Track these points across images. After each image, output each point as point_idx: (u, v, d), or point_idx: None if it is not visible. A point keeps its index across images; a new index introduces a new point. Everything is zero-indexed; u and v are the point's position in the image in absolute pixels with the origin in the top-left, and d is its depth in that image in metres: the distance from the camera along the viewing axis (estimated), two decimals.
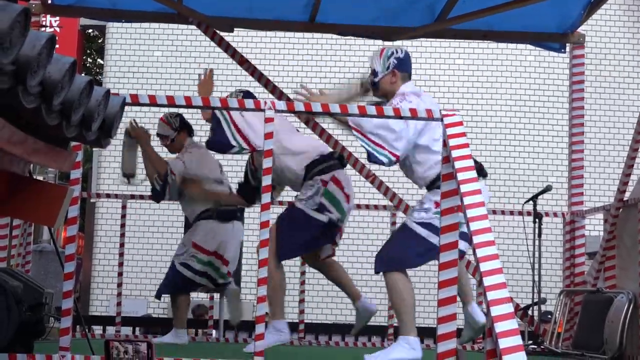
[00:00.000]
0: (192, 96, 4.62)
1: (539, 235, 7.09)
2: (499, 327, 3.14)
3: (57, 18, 15.02)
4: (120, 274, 7.74)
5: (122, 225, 7.72)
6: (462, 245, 4.65)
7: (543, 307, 7.37)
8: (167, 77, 14.10)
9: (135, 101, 4.46)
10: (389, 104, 5.09)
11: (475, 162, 4.70)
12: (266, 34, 13.72)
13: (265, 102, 4.54)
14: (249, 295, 12.09)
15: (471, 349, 7.11)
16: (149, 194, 7.00)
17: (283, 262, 5.48)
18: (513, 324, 3.16)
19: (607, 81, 14.08)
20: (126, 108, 3.65)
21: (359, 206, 7.59)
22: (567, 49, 7.56)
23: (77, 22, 15.26)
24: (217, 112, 5.57)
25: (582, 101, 7.48)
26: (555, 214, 7.98)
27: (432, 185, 5.13)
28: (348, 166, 7.94)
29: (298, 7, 7.25)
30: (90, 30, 19.40)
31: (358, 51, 13.98)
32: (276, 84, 7.87)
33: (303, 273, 7.39)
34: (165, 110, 6.97)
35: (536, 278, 7.05)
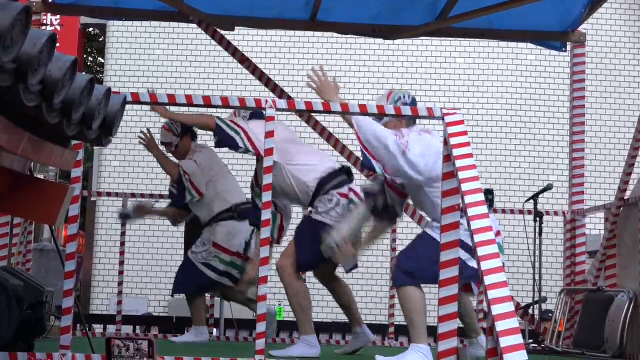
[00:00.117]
0: (193, 95, 4.62)
1: (540, 234, 7.10)
2: (500, 325, 3.14)
3: (58, 17, 15.01)
4: (121, 273, 7.75)
5: (123, 224, 7.72)
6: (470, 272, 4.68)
7: (544, 306, 7.37)
8: (167, 75, 14.09)
9: (136, 100, 4.47)
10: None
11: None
12: (267, 33, 13.71)
13: (267, 101, 4.54)
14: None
15: None
16: (150, 192, 7.00)
17: None
18: (514, 322, 3.16)
19: (608, 80, 14.07)
20: (127, 106, 3.65)
21: None
22: (568, 48, 7.55)
23: (78, 20, 15.25)
24: (220, 123, 5.62)
25: (583, 100, 7.48)
26: (556, 213, 7.98)
27: None
28: (348, 164, 7.96)
29: (299, 5, 7.24)
30: (91, 29, 19.39)
31: (359, 50, 13.98)
32: (277, 82, 7.87)
33: (303, 272, 7.39)
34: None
35: (537, 277, 7.05)
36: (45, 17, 14.41)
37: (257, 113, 5.76)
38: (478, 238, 3.52)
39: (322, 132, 7.64)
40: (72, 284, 4.42)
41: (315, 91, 5.17)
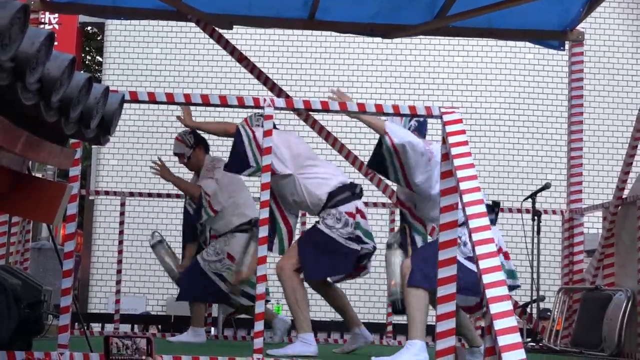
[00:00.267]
0: (192, 94, 4.62)
1: (538, 232, 7.10)
2: (498, 324, 3.14)
3: (56, 15, 15.00)
4: (119, 272, 7.74)
5: (121, 223, 7.71)
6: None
7: (542, 305, 7.38)
8: (166, 74, 14.09)
9: (134, 98, 4.47)
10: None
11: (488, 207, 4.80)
12: (265, 32, 13.71)
13: (265, 100, 4.54)
14: None
15: None
16: (148, 191, 7.00)
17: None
18: (512, 321, 3.16)
19: (605, 79, 14.08)
20: (125, 105, 3.65)
21: None
22: (566, 46, 7.56)
23: (76, 19, 15.24)
24: (242, 130, 5.61)
25: (581, 99, 7.48)
26: (554, 212, 7.98)
27: None
28: (347, 163, 7.96)
29: (297, 4, 7.24)
30: (89, 28, 19.37)
31: (357, 49, 13.98)
32: (275, 81, 7.87)
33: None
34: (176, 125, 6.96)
35: (535, 275, 7.05)
36: (43, 16, 14.40)
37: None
38: (476, 237, 3.52)
39: (321, 130, 7.64)
40: (70, 283, 4.42)
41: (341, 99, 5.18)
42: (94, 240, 13.97)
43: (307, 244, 5.60)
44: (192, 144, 6.78)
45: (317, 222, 5.64)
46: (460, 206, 3.88)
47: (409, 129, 5.21)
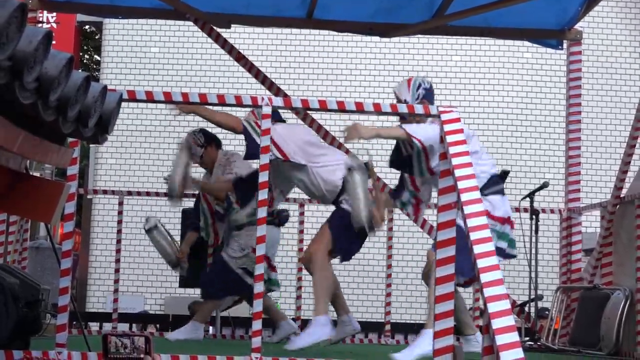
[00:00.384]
0: (190, 92, 4.62)
1: (536, 231, 7.10)
2: (496, 323, 3.14)
3: (54, 14, 14.99)
4: (117, 271, 7.74)
5: (119, 222, 7.71)
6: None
7: (540, 304, 7.37)
8: (164, 73, 14.08)
9: (132, 97, 4.46)
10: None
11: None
12: (263, 30, 13.70)
13: (263, 98, 4.54)
14: None
15: None
16: (146, 190, 7.00)
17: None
18: (510, 320, 3.16)
19: (604, 78, 14.08)
20: (123, 104, 3.65)
21: None
22: (564, 45, 7.56)
23: (74, 18, 15.22)
24: (247, 125, 5.64)
25: (579, 98, 7.48)
26: (552, 211, 7.98)
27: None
28: None
29: (295, 3, 7.24)
30: (87, 27, 19.37)
31: (355, 47, 13.97)
32: (273, 80, 7.86)
33: (300, 269, 7.39)
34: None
35: (533, 274, 7.05)
36: (41, 15, 14.39)
37: (275, 115, 5.85)
38: (474, 236, 3.52)
39: (319, 129, 7.63)
40: (68, 282, 4.42)
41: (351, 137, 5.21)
42: (92, 239, 13.96)
43: (340, 227, 5.66)
44: (203, 143, 6.75)
45: (340, 202, 5.70)
46: (459, 205, 3.89)
47: (417, 98, 5.28)
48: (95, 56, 23.45)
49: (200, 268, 7.48)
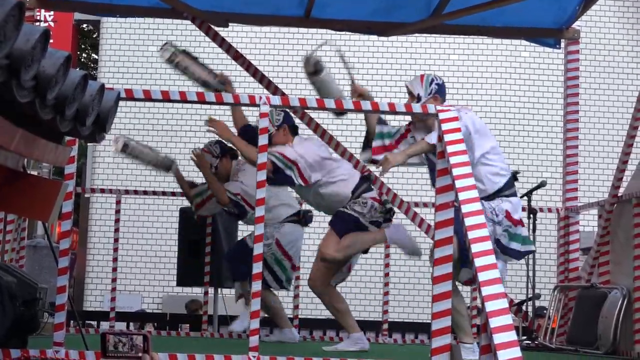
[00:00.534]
0: (187, 91, 4.61)
1: (534, 230, 7.10)
2: (494, 322, 3.15)
3: (52, 12, 14.96)
4: (114, 269, 7.73)
5: (117, 220, 7.70)
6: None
7: (537, 303, 7.37)
8: (161, 72, 14.06)
9: (129, 96, 4.46)
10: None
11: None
12: (261, 29, 13.69)
13: (260, 97, 4.53)
14: None
15: None
16: (144, 188, 6.99)
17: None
18: (507, 319, 3.17)
19: (601, 77, 14.09)
20: (121, 102, 3.65)
21: None
22: (562, 44, 7.56)
23: (71, 16, 15.20)
24: (275, 159, 5.67)
25: (576, 97, 7.49)
26: (549, 210, 7.98)
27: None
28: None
29: (293, 1, 7.24)
30: (84, 25, 19.34)
31: (353, 47, 13.96)
32: (271, 79, 7.86)
33: (298, 268, 7.39)
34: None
35: (530, 273, 7.05)
36: (38, 13, 14.37)
37: (287, 117, 5.87)
38: (472, 235, 3.52)
39: (316, 128, 7.62)
40: (65, 281, 4.41)
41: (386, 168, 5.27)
42: (90, 238, 13.95)
43: (341, 226, 5.75)
44: (219, 154, 6.74)
45: (344, 207, 5.80)
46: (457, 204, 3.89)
47: (430, 92, 5.28)
48: (93, 55, 23.43)
49: (198, 267, 7.48)
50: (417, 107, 4.66)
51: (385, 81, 13.89)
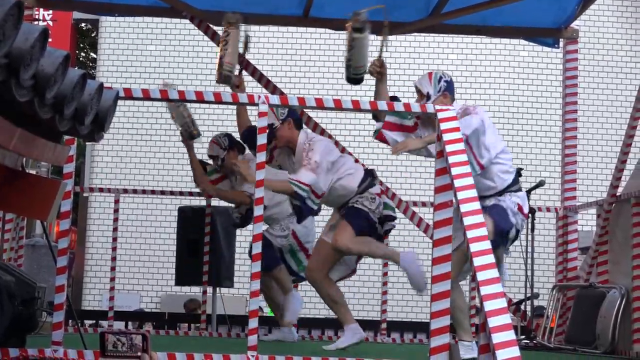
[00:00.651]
0: (186, 90, 4.61)
1: (532, 230, 7.10)
2: (492, 322, 3.15)
3: (50, 12, 14.97)
4: (113, 269, 7.72)
5: (115, 220, 7.69)
6: None
7: (536, 302, 7.38)
8: (160, 71, 14.06)
9: (128, 95, 4.46)
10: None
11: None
12: (260, 28, 13.69)
13: (259, 96, 4.53)
14: (242, 290, 12.09)
15: None
16: (142, 188, 6.98)
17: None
18: (506, 318, 3.17)
19: (600, 76, 14.09)
20: (119, 102, 3.64)
21: None
22: (560, 44, 7.56)
23: (70, 15, 15.21)
24: (299, 191, 5.66)
25: (575, 96, 7.49)
26: (548, 209, 7.98)
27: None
28: None
29: (292, 1, 7.24)
30: (83, 24, 19.34)
31: None
32: (270, 78, 7.86)
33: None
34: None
35: (529, 273, 7.05)
36: (37, 12, 14.37)
37: (292, 111, 5.88)
38: (471, 234, 3.52)
39: (315, 127, 7.63)
40: (64, 280, 4.41)
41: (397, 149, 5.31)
42: (88, 237, 13.95)
43: (354, 217, 5.73)
44: (226, 146, 6.74)
45: (354, 202, 5.77)
46: (455, 204, 3.89)
47: (439, 90, 5.29)
48: (92, 54, 23.42)
49: (196, 266, 7.48)
50: (415, 107, 4.66)
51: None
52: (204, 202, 7.68)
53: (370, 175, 5.93)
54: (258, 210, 4.49)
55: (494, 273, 3.35)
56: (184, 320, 9.66)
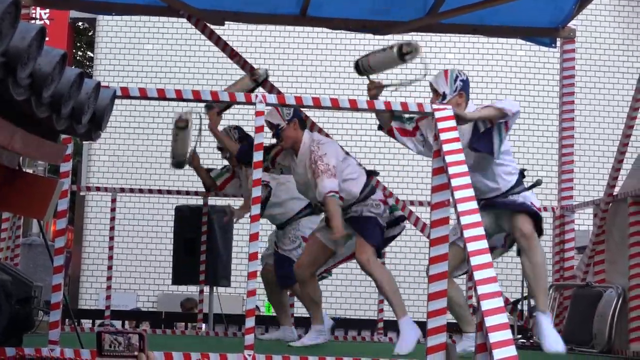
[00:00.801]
0: (183, 89, 4.61)
1: None
2: (489, 321, 3.15)
3: (47, 10, 14.96)
4: (109, 268, 7.72)
5: (112, 219, 7.68)
6: None
7: (532, 301, 7.38)
8: (157, 70, 14.06)
9: (125, 94, 4.45)
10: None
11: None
12: (257, 27, 13.69)
13: (257, 96, 4.53)
14: (239, 289, 12.09)
15: None
16: (139, 187, 6.97)
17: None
18: (503, 318, 3.17)
19: (597, 76, 14.11)
20: (116, 101, 3.64)
21: None
22: (558, 43, 7.56)
23: (67, 14, 15.20)
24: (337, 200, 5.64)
25: (572, 96, 7.49)
26: (545, 208, 7.95)
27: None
28: None
29: (290, 0, 7.24)
30: (80, 23, 19.33)
31: (349, 45, 13.97)
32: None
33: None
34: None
35: None
36: (34, 11, 14.36)
37: (296, 111, 5.90)
38: (468, 233, 3.52)
39: (312, 126, 7.63)
40: (60, 279, 4.41)
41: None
42: (85, 237, 13.94)
43: (365, 227, 5.67)
44: (236, 139, 6.69)
45: (361, 212, 5.70)
46: (452, 202, 3.89)
47: (455, 90, 5.26)
48: (89, 53, 23.41)
49: (193, 266, 7.47)
50: (413, 105, 4.66)
51: (381, 79, 13.88)
52: (200, 201, 7.67)
53: (374, 174, 5.93)
54: (255, 210, 4.49)
55: (490, 272, 3.35)
56: (180, 320, 9.66)
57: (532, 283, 5.27)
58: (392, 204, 5.92)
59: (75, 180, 15.21)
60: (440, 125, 4.16)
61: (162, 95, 4.60)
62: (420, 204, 8.18)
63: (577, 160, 9.60)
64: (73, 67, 3.08)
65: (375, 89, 5.48)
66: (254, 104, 4.52)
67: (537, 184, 7.22)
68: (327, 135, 7.68)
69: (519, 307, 7.34)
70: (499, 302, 3.23)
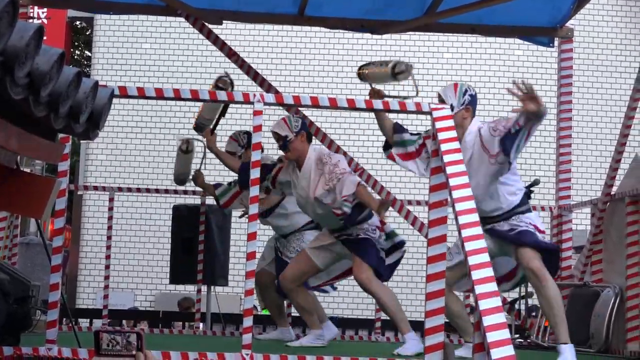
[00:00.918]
0: (181, 89, 4.61)
1: None
2: (487, 320, 3.15)
3: (45, 9, 14.94)
4: (107, 267, 7.71)
5: (110, 218, 7.68)
6: None
7: (530, 301, 7.38)
8: (155, 69, 14.05)
9: (123, 93, 4.45)
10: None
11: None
12: (255, 27, 13.69)
13: (255, 95, 4.53)
14: (237, 289, 12.09)
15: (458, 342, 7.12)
16: (137, 186, 6.97)
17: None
18: (500, 317, 3.17)
19: (594, 75, 14.11)
20: (114, 100, 3.64)
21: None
22: (555, 43, 7.57)
23: (65, 13, 15.17)
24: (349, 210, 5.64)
25: (569, 95, 7.49)
26: (542, 208, 7.98)
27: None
28: None
29: (287, 0, 7.24)
30: (78, 22, 19.31)
31: (347, 44, 13.97)
32: (265, 76, 7.86)
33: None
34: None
35: None
36: (32, 10, 14.34)
37: (304, 124, 5.91)
38: (465, 233, 3.52)
39: (310, 126, 7.62)
40: (58, 278, 4.41)
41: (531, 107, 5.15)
42: (83, 236, 13.93)
43: (366, 249, 5.69)
44: (245, 144, 6.65)
45: (358, 234, 5.72)
46: (450, 202, 3.89)
47: (462, 103, 5.25)
48: (86, 52, 23.39)
49: (191, 265, 7.48)
50: (411, 105, 4.66)
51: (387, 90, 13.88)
52: (198, 201, 7.67)
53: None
54: (253, 209, 4.49)
55: (488, 272, 3.35)
56: (178, 319, 9.65)
57: (550, 318, 5.22)
58: (390, 230, 5.87)
59: (73, 180, 15.20)
60: (438, 124, 4.16)
61: (160, 95, 4.60)
62: (418, 203, 8.17)
63: (575, 159, 9.60)
64: (71, 66, 3.08)
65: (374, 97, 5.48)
66: (252, 103, 4.52)
67: (534, 183, 7.22)
68: (324, 135, 7.70)
69: (517, 306, 7.34)
70: (496, 302, 3.23)
